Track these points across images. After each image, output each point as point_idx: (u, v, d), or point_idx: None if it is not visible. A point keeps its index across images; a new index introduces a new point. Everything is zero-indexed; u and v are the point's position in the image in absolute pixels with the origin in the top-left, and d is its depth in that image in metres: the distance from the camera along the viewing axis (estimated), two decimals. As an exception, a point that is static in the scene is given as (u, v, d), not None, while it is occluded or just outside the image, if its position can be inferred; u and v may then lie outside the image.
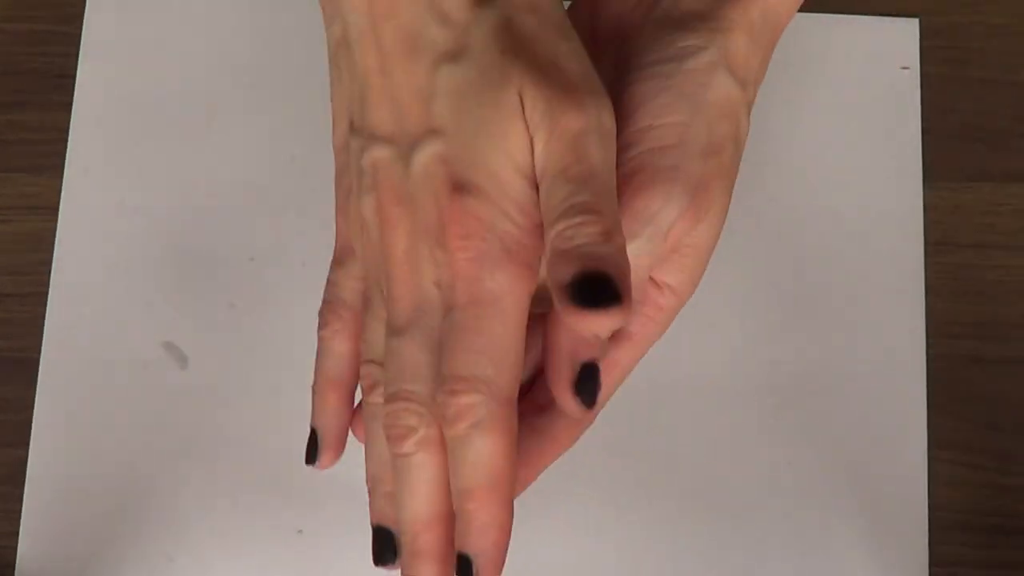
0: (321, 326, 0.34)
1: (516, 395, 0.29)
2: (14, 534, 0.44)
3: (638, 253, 0.30)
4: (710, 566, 0.44)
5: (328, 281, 0.34)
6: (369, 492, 0.32)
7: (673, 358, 0.46)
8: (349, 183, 0.32)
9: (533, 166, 0.28)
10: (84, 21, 0.49)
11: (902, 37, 0.49)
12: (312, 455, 0.34)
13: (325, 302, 0.34)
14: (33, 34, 0.49)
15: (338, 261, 0.34)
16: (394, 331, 0.30)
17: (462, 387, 0.28)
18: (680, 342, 0.46)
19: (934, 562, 0.44)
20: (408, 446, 0.29)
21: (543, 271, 0.29)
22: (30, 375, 0.45)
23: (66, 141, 0.47)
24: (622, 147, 0.30)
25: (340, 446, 0.34)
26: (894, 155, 0.48)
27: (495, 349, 0.28)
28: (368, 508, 0.32)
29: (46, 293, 0.46)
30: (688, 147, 0.30)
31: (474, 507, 0.28)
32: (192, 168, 0.47)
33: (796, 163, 0.48)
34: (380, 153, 0.30)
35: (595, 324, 0.27)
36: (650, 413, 0.46)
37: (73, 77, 0.48)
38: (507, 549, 0.29)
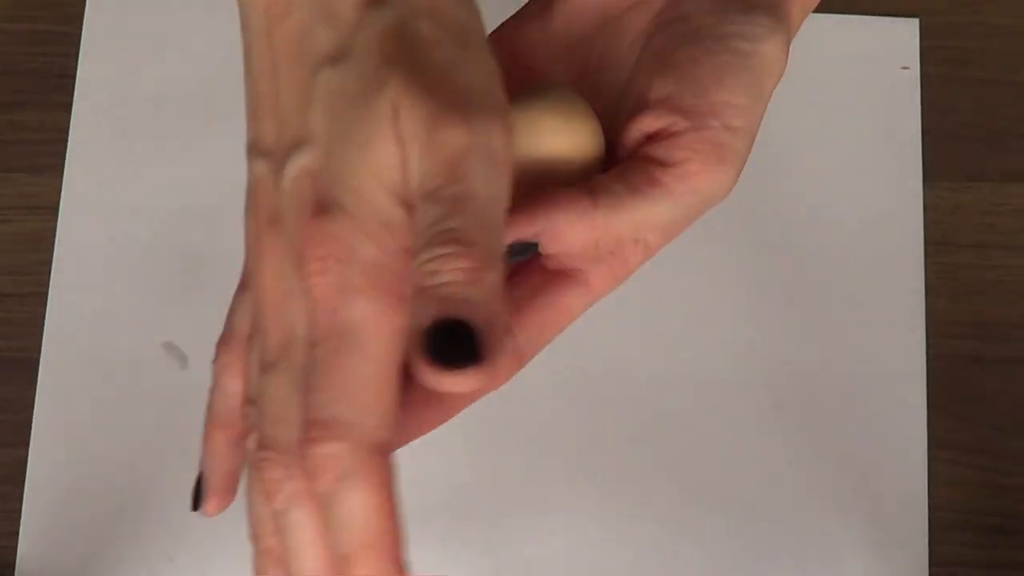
0: (214, 358, 0.30)
1: (390, 438, 0.25)
2: (14, 534, 0.44)
3: (663, 216, 0.29)
4: (710, 565, 0.44)
5: (229, 308, 0.31)
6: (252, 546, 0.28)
7: (673, 357, 0.46)
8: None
9: (406, 183, 0.25)
10: (84, 21, 0.49)
11: (902, 37, 0.49)
12: (196, 501, 0.31)
13: (222, 332, 0.31)
14: (33, 34, 0.49)
15: (240, 285, 0.31)
16: (263, 368, 0.26)
17: (321, 434, 0.24)
18: (680, 341, 0.46)
19: (934, 562, 0.44)
20: (280, 502, 0.25)
21: None
22: (30, 375, 0.45)
23: (66, 141, 0.47)
24: (705, 112, 0.29)
25: (227, 493, 0.30)
26: (894, 155, 0.48)
27: (357, 389, 0.24)
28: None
29: (46, 293, 0.46)
30: (749, 132, 0.30)
31: (358, 573, 0.24)
32: (192, 168, 0.47)
33: (796, 163, 0.48)
34: (257, 169, 0.27)
35: (446, 384, 0.23)
36: (650, 413, 0.46)
37: (73, 77, 0.48)
38: None
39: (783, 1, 0.31)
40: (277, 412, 0.26)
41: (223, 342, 0.30)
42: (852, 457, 0.45)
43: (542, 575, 0.44)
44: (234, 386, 0.29)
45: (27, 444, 0.45)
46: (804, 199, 0.48)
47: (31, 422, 0.45)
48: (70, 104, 0.48)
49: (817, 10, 0.48)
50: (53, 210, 0.47)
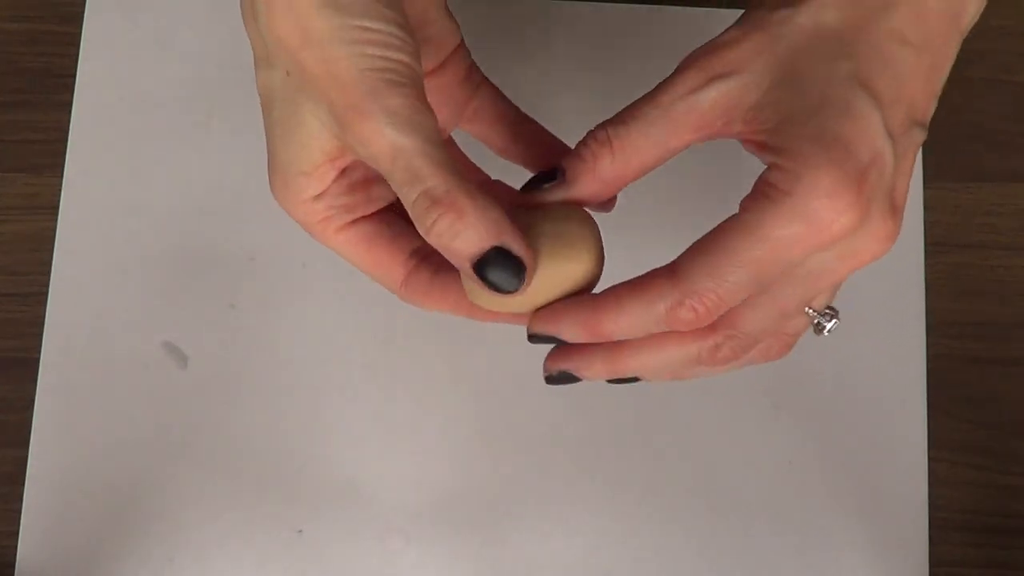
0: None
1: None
2: (14, 534, 0.44)
3: None
4: (711, 565, 0.44)
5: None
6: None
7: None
8: None
9: None
10: (84, 21, 0.49)
11: (902, 37, 0.49)
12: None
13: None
14: (33, 34, 0.49)
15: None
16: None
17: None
18: (680, 342, 0.46)
19: (934, 562, 0.44)
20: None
21: None
22: (30, 375, 0.45)
23: (66, 141, 0.47)
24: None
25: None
26: (894, 155, 0.48)
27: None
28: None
29: (46, 293, 0.46)
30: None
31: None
32: (192, 168, 0.47)
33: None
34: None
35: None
36: (651, 413, 0.46)
37: (73, 77, 0.48)
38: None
39: None
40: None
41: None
42: (852, 457, 0.45)
43: (542, 575, 0.44)
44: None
45: (27, 444, 0.45)
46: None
47: (31, 422, 0.45)
48: (70, 104, 0.48)
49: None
50: (53, 210, 0.47)
